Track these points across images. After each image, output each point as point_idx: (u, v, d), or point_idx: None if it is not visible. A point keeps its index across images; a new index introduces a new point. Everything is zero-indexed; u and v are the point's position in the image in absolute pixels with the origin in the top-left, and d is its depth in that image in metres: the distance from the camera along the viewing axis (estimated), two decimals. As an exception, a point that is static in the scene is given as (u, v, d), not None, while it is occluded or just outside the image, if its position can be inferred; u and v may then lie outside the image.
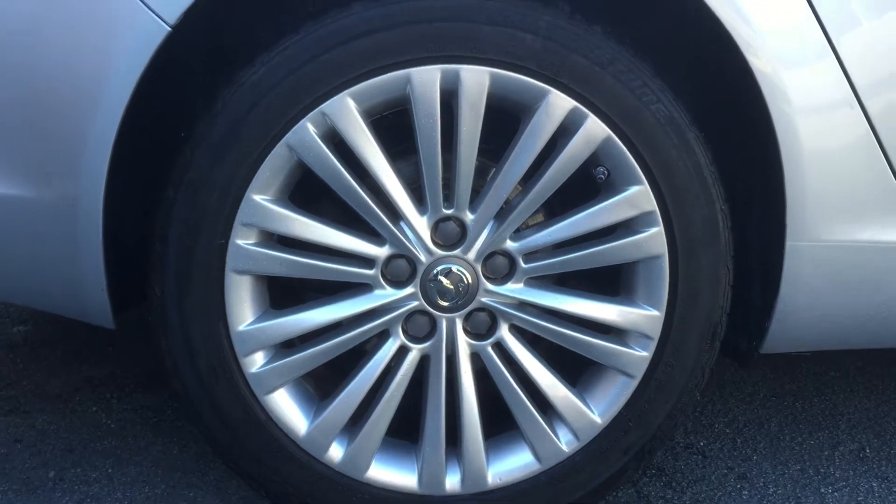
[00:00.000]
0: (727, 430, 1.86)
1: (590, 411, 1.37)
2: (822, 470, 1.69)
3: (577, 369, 1.44)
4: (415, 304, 1.27)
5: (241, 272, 1.16)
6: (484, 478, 1.37)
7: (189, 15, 1.09)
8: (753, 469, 1.69)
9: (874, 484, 1.67)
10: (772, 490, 1.64)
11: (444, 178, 1.20)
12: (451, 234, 1.25)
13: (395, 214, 1.22)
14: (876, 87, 1.23)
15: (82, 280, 1.25)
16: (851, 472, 1.68)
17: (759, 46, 1.16)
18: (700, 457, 1.74)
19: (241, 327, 1.22)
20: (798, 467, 1.69)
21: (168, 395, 2.04)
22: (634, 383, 1.36)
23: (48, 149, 1.17)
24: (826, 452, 1.77)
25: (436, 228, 1.23)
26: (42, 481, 1.67)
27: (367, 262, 1.24)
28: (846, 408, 2.00)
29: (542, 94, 1.17)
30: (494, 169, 1.25)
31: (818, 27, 1.19)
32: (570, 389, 1.37)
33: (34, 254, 1.20)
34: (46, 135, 1.16)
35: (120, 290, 1.25)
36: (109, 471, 1.70)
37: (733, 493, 1.62)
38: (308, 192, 1.23)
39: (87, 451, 1.79)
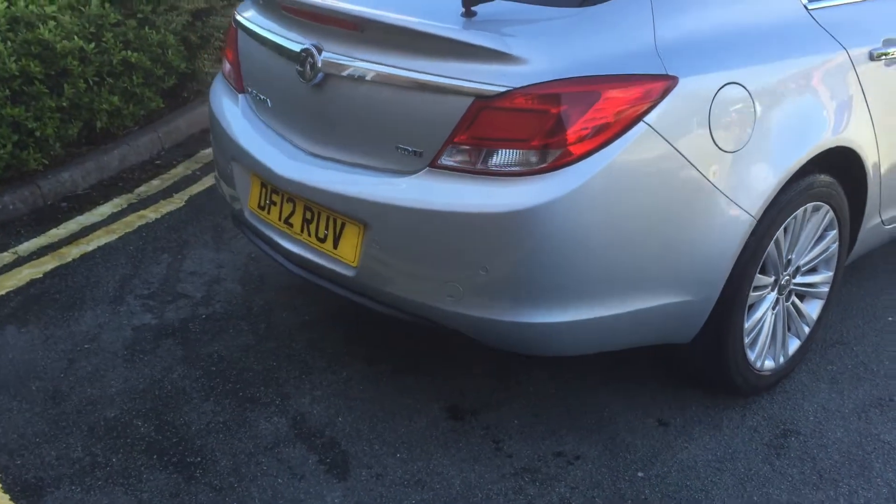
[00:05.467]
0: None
1: (812, 314, 2.93)
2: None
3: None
4: (770, 291, 2.74)
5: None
6: (788, 351, 2.90)
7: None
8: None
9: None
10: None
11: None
12: (785, 265, 2.87)
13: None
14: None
15: (692, 330, 2.57)
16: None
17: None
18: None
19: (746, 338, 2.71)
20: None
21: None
22: (822, 302, 3.03)
23: (695, 286, 2.45)
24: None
25: (782, 264, 2.71)
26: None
27: (764, 288, 2.68)
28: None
29: (819, 207, 2.71)
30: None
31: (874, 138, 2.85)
32: (808, 307, 2.91)
33: (669, 323, 2.58)
34: (692, 281, 2.43)
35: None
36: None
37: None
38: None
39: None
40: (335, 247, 2.56)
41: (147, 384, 2.95)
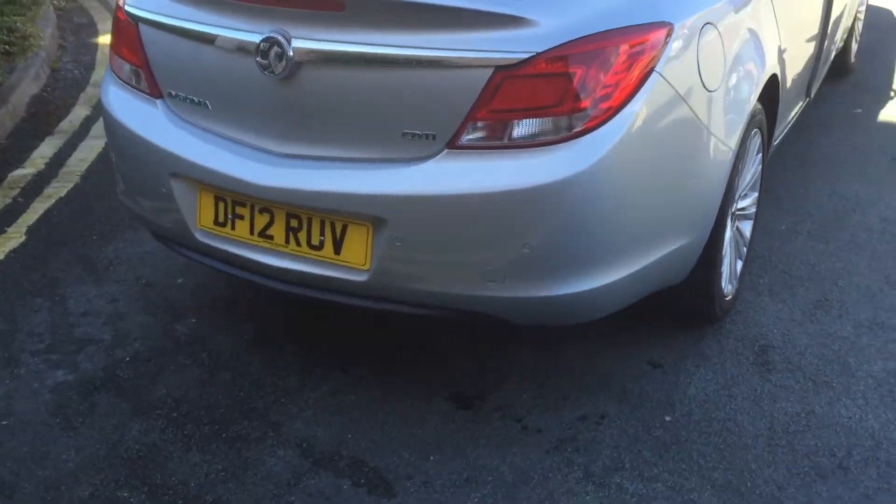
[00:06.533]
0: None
1: (747, 235, 3.08)
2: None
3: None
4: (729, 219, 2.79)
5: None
6: (737, 272, 3.04)
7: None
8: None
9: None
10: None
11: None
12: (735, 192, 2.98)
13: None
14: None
15: (688, 270, 2.61)
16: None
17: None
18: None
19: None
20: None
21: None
22: (752, 222, 3.23)
23: (694, 227, 2.51)
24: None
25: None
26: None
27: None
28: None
29: (756, 134, 2.88)
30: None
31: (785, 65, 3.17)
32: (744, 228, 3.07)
33: (673, 267, 2.59)
34: (693, 222, 2.51)
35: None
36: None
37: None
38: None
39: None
40: (337, 252, 2.33)
41: (107, 449, 2.55)
